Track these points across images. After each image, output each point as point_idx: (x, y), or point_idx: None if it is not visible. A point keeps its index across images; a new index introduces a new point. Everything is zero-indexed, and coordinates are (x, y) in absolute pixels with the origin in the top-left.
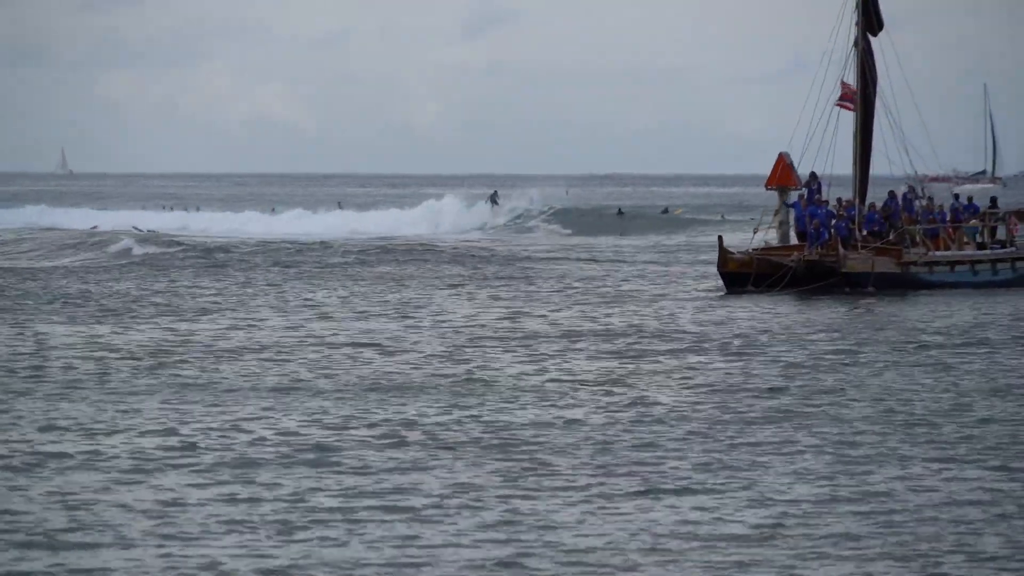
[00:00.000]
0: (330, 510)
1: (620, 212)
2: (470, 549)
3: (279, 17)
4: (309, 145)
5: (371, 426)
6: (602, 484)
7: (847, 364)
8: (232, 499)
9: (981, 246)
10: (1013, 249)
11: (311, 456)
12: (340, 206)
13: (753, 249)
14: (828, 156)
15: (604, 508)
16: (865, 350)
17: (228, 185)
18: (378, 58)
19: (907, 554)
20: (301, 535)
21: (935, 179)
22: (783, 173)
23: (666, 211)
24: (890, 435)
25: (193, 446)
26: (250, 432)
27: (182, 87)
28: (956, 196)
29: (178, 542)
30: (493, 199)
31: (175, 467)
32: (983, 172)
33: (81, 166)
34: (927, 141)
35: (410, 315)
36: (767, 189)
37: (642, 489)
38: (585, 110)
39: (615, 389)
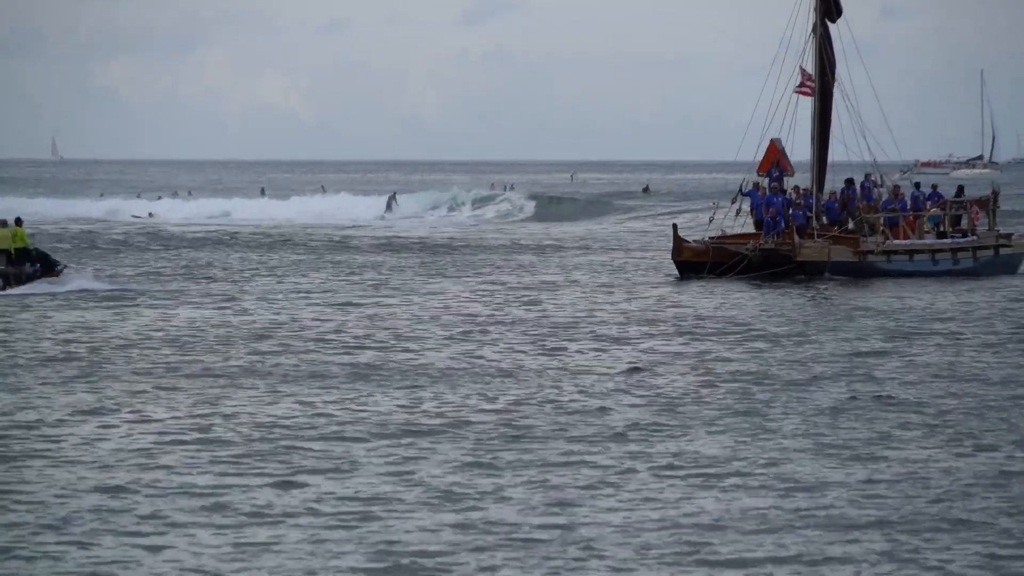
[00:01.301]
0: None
1: (646, 190)
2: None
3: (280, 5)
4: (309, 133)
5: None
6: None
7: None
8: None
9: (942, 235)
10: (975, 238)
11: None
12: (323, 190)
13: (709, 237)
14: (788, 143)
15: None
16: (801, 335)
17: (205, 171)
18: (379, 46)
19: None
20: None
21: (927, 164)
22: (776, 159)
23: (646, 189)
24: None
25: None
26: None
27: (181, 76)
28: (917, 185)
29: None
30: (391, 200)
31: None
32: (979, 157)
33: (77, 154)
34: (886, 128)
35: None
36: (759, 175)
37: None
38: (586, 98)
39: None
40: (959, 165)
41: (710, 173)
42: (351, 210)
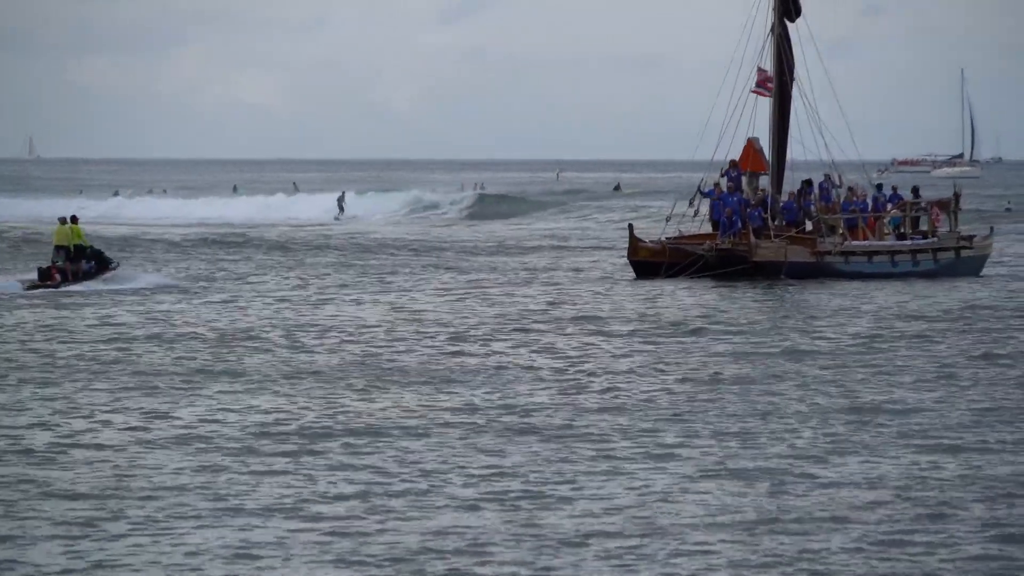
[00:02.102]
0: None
1: (617, 188)
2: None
3: (257, 3)
4: (286, 131)
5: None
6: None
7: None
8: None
9: (902, 237)
10: (935, 240)
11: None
12: (296, 187)
13: (666, 238)
14: (745, 142)
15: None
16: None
17: (170, 170)
18: (355, 43)
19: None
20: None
21: (905, 163)
22: (752, 158)
23: (617, 187)
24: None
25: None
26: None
27: (157, 74)
28: (879, 187)
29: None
30: (340, 202)
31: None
32: (960, 155)
33: (55, 152)
34: (846, 128)
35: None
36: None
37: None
38: (564, 95)
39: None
40: (940, 163)
41: (695, 172)
42: (304, 210)
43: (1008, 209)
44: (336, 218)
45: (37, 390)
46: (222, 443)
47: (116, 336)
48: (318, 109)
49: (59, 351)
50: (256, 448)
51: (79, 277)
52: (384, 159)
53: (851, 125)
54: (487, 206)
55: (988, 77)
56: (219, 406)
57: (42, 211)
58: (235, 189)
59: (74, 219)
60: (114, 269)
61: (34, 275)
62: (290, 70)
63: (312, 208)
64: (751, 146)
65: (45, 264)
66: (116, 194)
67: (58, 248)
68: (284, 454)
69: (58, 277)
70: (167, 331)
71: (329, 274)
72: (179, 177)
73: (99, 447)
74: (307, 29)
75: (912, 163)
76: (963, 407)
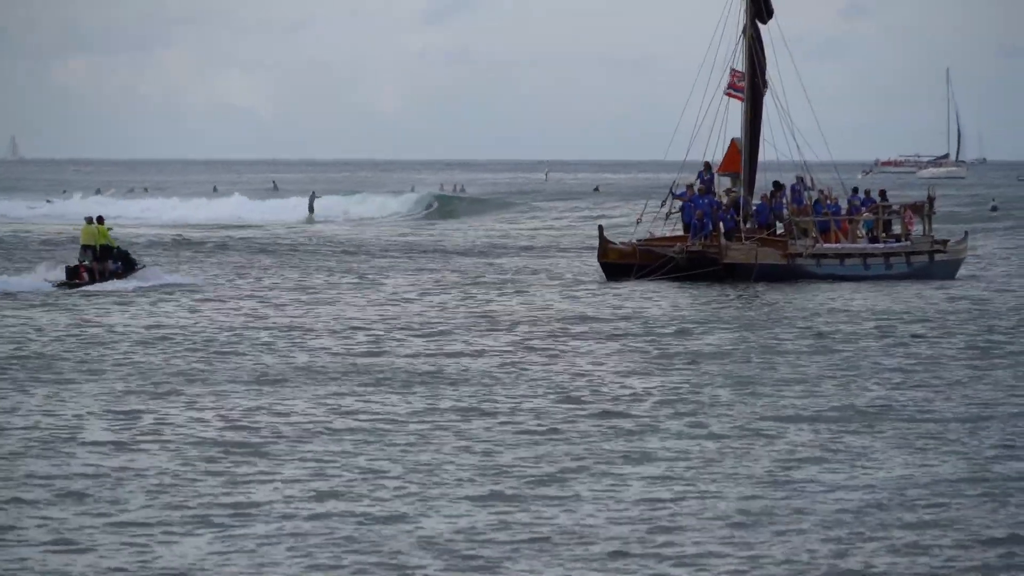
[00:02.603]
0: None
1: (596, 189)
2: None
3: (242, 4)
4: (270, 131)
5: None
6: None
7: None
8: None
9: (875, 240)
10: (908, 243)
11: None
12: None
13: (637, 240)
14: (718, 144)
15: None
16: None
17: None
18: (341, 44)
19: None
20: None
21: (888, 163)
22: (736, 159)
23: (596, 189)
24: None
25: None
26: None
27: (142, 74)
28: (855, 190)
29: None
30: (311, 203)
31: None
32: (945, 156)
33: (39, 153)
34: (818, 130)
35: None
36: (719, 175)
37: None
38: (550, 96)
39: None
40: (924, 164)
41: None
42: (275, 212)
43: (994, 208)
44: (308, 220)
45: (69, 388)
46: (239, 440)
47: (148, 336)
48: (303, 110)
49: (95, 350)
50: (269, 450)
51: (106, 276)
52: (370, 160)
53: (827, 127)
54: (448, 207)
55: (971, 77)
56: (253, 404)
57: (22, 212)
58: (215, 189)
59: (100, 219)
60: (140, 269)
61: (61, 274)
62: (275, 71)
63: (283, 210)
64: (735, 147)
65: (73, 263)
66: (98, 192)
67: (85, 248)
68: (296, 456)
69: (86, 276)
70: (198, 330)
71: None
72: (162, 178)
73: (131, 444)
74: (292, 30)
75: (895, 164)
76: (940, 408)
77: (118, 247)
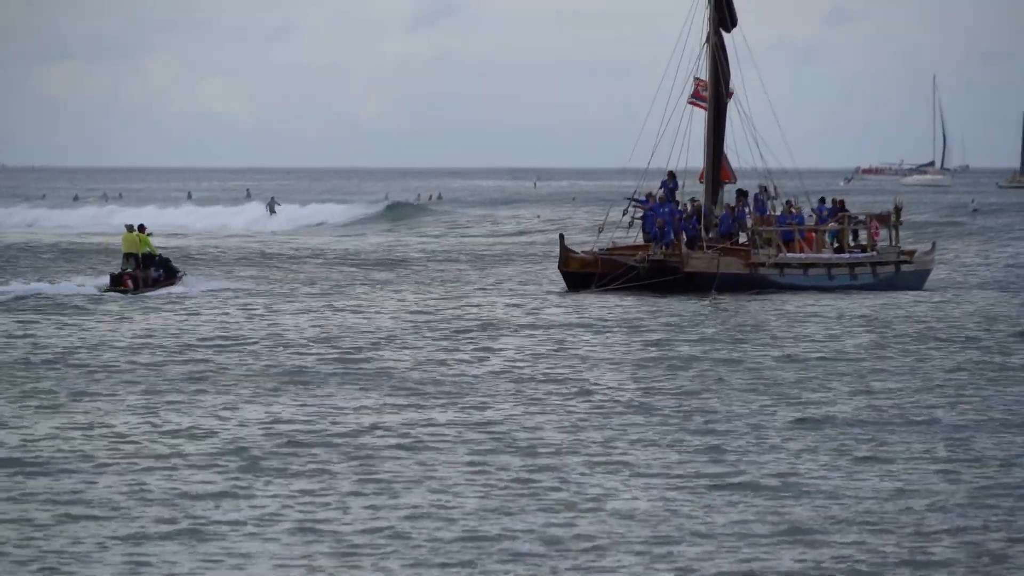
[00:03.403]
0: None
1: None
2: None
3: (223, 12)
4: (250, 139)
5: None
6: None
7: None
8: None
9: (840, 250)
10: (874, 254)
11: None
12: (249, 193)
13: (599, 249)
14: (682, 152)
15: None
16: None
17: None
18: (323, 50)
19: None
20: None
21: (869, 171)
22: (723, 168)
23: (574, 199)
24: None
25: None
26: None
27: (123, 82)
28: (821, 200)
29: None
30: (271, 206)
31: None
32: (931, 163)
33: (18, 161)
34: (782, 139)
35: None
36: (700, 182)
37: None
38: (533, 103)
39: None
40: (906, 172)
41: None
42: (232, 219)
43: (975, 210)
44: (270, 215)
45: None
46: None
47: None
48: (284, 117)
49: (143, 356)
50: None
51: (148, 284)
52: (351, 168)
53: (809, 133)
54: (403, 214)
55: (953, 82)
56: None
57: (1, 219)
58: (189, 196)
59: (141, 228)
60: (181, 277)
61: (106, 280)
62: (257, 79)
63: (242, 217)
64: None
65: (116, 271)
66: (76, 199)
67: (127, 255)
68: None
69: (130, 283)
70: (250, 335)
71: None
72: (139, 185)
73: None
74: (274, 38)
75: (876, 172)
76: (887, 417)
77: (159, 255)
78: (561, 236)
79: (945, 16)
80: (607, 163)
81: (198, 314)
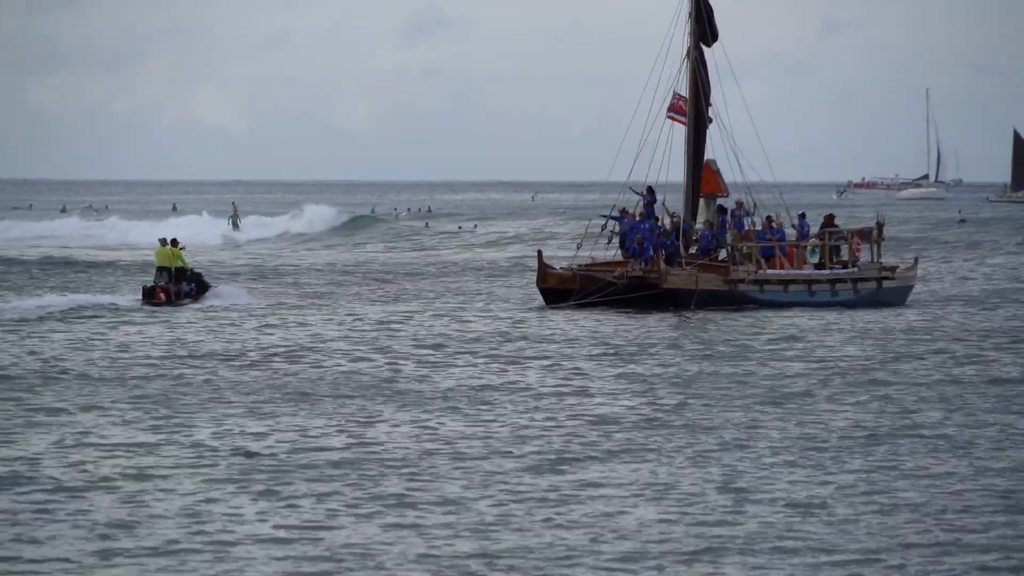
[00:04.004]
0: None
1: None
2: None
3: (217, 24)
4: (243, 151)
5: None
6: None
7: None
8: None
9: (820, 266)
10: (855, 270)
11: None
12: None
13: (578, 265)
14: (663, 166)
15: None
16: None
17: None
18: (316, 63)
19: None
20: None
21: (860, 185)
22: (710, 180)
23: (564, 212)
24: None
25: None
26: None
27: (116, 94)
28: (802, 215)
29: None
30: (234, 221)
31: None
32: (925, 176)
33: (11, 173)
34: (762, 152)
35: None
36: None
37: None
38: (524, 115)
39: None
40: (898, 185)
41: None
42: (197, 232)
43: (962, 220)
44: (233, 230)
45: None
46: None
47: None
48: (278, 130)
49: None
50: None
51: (181, 297)
52: (345, 181)
53: (802, 145)
54: (361, 227)
55: (946, 95)
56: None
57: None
58: (174, 208)
59: (174, 242)
60: (213, 290)
61: (138, 295)
62: (250, 90)
63: (203, 231)
64: (708, 168)
65: (149, 284)
66: (63, 210)
67: (160, 269)
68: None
69: (163, 297)
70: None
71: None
72: (130, 197)
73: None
74: (267, 49)
75: (868, 186)
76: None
77: (191, 269)
78: (539, 252)
79: (937, 28)
80: (600, 176)
81: (236, 326)
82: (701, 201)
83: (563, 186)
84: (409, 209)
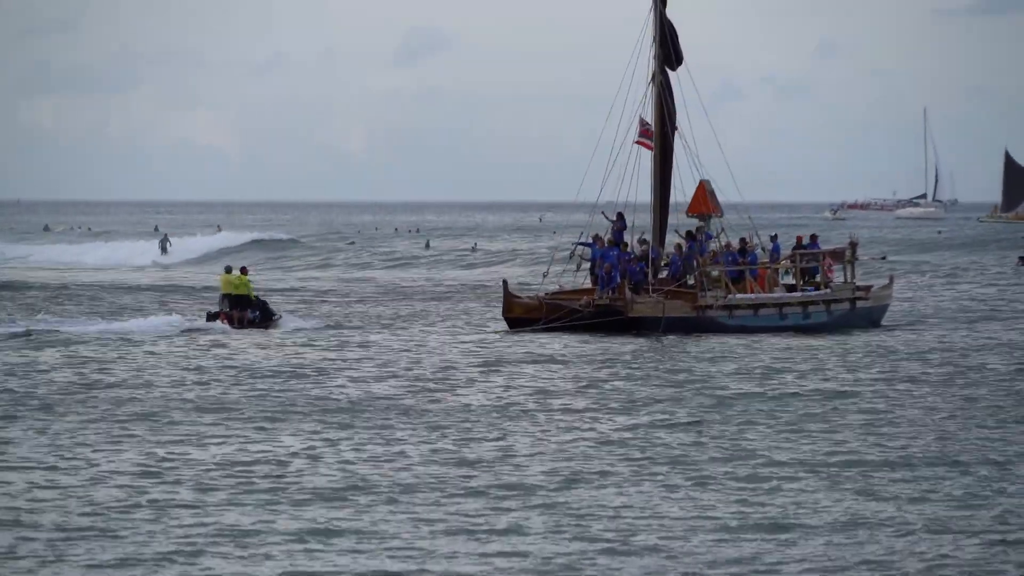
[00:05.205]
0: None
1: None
2: None
3: (208, 44)
4: (237, 172)
5: None
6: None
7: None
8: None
9: (792, 288)
10: (828, 291)
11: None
12: (220, 228)
13: (544, 293)
14: (631, 190)
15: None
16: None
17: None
18: (310, 84)
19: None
20: None
21: (854, 206)
22: (703, 200)
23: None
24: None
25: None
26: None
27: (111, 115)
28: (773, 237)
29: None
30: (164, 243)
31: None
32: (923, 196)
33: (4, 194)
34: (728, 175)
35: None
36: (688, 216)
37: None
38: (518, 136)
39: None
40: (891, 205)
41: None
42: (127, 255)
43: (939, 232)
44: (161, 254)
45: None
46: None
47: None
48: (271, 151)
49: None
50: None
51: (244, 324)
52: (340, 202)
53: (797, 166)
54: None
55: (938, 117)
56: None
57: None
58: (156, 229)
59: (243, 270)
60: (277, 320)
61: (202, 320)
62: (243, 112)
63: (139, 252)
64: (703, 188)
65: (214, 310)
66: (46, 228)
67: (224, 296)
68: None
69: (226, 323)
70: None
71: None
72: (107, 218)
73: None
74: (261, 71)
75: (862, 206)
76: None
77: (256, 296)
78: (504, 282)
79: (931, 51)
80: (591, 197)
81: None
82: (696, 220)
83: (571, 207)
84: (396, 229)
